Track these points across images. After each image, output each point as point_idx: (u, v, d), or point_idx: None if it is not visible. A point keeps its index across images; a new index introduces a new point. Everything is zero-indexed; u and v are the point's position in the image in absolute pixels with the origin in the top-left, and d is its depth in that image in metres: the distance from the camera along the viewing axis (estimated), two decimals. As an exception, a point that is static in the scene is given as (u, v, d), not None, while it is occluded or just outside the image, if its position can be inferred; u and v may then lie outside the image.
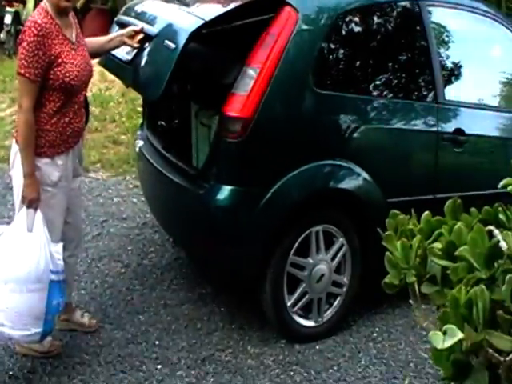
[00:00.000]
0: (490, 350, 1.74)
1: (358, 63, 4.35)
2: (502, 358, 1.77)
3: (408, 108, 4.42)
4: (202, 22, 3.88)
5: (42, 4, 3.61)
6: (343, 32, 4.21)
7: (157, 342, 4.17)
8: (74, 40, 3.68)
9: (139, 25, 4.20)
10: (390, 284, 2.08)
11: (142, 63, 4.12)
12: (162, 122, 4.91)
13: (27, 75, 3.43)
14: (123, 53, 4.31)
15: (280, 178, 3.90)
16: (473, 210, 2.16)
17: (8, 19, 11.70)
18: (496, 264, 1.79)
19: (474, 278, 1.76)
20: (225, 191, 3.90)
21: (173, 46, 3.83)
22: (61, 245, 3.74)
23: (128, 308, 4.51)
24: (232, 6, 4.07)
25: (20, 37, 3.48)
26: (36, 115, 3.52)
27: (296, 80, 3.97)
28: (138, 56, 4.15)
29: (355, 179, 4.15)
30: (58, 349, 3.99)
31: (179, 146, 4.66)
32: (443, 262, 1.92)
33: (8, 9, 11.81)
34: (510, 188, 2.15)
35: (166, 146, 4.67)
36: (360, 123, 4.14)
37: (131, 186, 6.51)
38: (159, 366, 3.95)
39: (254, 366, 4.03)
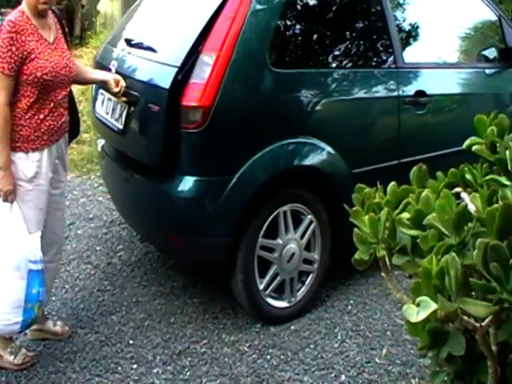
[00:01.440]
0: (466, 318, 1.73)
1: (314, 37, 4.30)
2: (477, 324, 1.76)
3: (367, 76, 4.40)
4: (174, 71, 3.84)
5: (20, 7, 3.69)
6: (298, 7, 4.18)
7: (131, 342, 4.11)
8: (51, 40, 3.73)
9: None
10: (360, 260, 2.08)
11: (133, 132, 4.20)
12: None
13: (1, 70, 3.52)
14: (112, 119, 4.40)
15: (244, 163, 3.86)
16: (439, 174, 2.15)
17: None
18: (466, 228, 1.76)
19: (445, 246, 1.74)
20: (188, 183, 3.85)
21: (157, 108, 3.88)
22: (38, 234, 3.74)
23: (100, 310, 4.44)
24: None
25: None
26: (11, 110, 3.60)
27: (253, 62, 3.93)
28: (128, 125, 4.20)
29: (319, 154, 4.12)
30: (31, 360, 3.94)
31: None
32: (412, 232, 1.91)
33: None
34: (475, 148, 2.12)
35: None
36: (320, 97, 4.11)
37: (96, 184, 6.48)
38: (135, 366, 3.89)
39: (230, 353, 4.00)
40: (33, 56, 3.59)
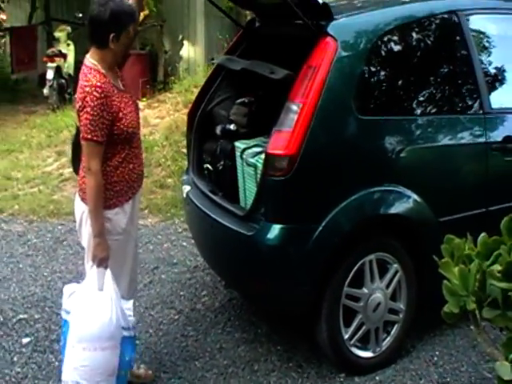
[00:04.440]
0: None
1: (399, 83, 4.37)
2: None
3: (453, 122, 4.41)
4: None
5: (88, 64, 3.69)
6: (383, 53, 4.24)
7: (214, 388, 4.19)
8: (122, 88, 3.81)
9: None
10: (449, 313, 2.06)
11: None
12: (208, 165, 4.97)
13: (95, 138, 3.56)
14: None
15: (329, 211, 3.92)
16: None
17: (50, 74, 12.06)
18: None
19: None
20: (274, 230, 3.93)
21: None
22: (131, 302, 3.84)
23: (183, 355, 4.54)
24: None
25: (80, 103, 3.58)
26: (102, 170, 3.64)
27: (339, 109, 4.01)
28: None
29: (405, 202, 4.15)
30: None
31: (226, 188, 4.72)
32: (504, 285, 1.90)
33: (49, 64, 12.18)
34: None
35: (212, 189, 4.74)
36: (406, 145, 4.14)
37: (180, 229, 6.62)
38: (218, 412, 3.96)
39: (314, 403, 4.03)
40: (120, 115, 3.67)
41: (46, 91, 12.13)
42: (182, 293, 5.38)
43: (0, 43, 16.58)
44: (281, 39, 4.73)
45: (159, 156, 8.27)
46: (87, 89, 3.57)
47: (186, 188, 5.01)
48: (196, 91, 9.62)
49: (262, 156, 4.11)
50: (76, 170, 4.15)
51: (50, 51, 12.54)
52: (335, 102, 3.98)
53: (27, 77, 14.69)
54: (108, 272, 3.69)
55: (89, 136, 3.57)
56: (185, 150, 7.75)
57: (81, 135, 3.64)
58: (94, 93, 3.55)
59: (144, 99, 10.51)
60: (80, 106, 3.60)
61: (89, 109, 3.54)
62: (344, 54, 4.00)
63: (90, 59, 3.71)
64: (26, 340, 4.78)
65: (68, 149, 8.74)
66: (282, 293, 4.10)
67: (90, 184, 3.63)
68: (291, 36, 4.58)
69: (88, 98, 3.55)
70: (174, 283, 5.55)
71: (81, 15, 13.03)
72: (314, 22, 4.06)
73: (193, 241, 5.61)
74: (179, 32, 12.20)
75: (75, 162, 4.13)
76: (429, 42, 4.51)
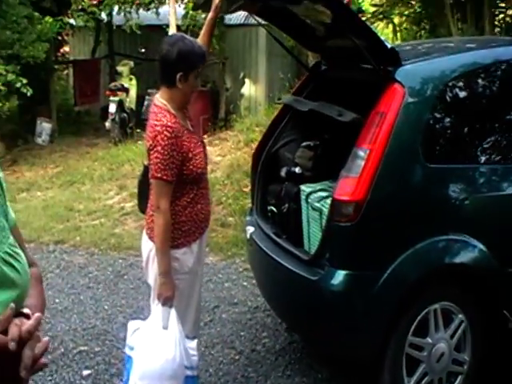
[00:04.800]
0: None
1: (466, 131, 4.37)
2: None
3: (521, 170, 4.37)
4: None
5: (158, 104, 3.78)
6: (449, 100, 4.26)
7: (274, 431, 4.21)
8: (190, 128, 3.88)
9: None
10: None
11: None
12: (272, 207, 5.02)
13: (164, 177, 3.63)
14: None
15: (394, 259, 3.92)
16: None
17: (112, 108, 12.34)
18: None
19: None
20: (339, 276, 3.95)
21: None
22: (195, 341, 3.88)
23: (243, 396, 4.57)
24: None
25: (151, 142, 3.66)
26: (171, 209, 3.71)
27: (406, 156, 4.04)
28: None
29: (471, 252, 4.12)
30: None
31: (290, 231, 4.75)
32: None
33: (112, 98, 12.47)
34: None
35: (276, 231, 4.78)
36: (472, 193, 4.14)
37: (241, 269, 6.67)
38: None
39: None
40: (190, 155, 3.73)
41: (108, 125, 12.42)
42: (242, 333, 5.41)
43: (63, 75, 16.96)
44: (346, 83, 4.79)
45: (220, 194, 8.38)
46: (158, 128, 3.65)
47: (250, 229, 5.06)
48: (257, 130, 9.83)
49: (328, 201, 4.16)
50: (142, 209, 4.24)
51: (112, 85, 12.85)
52: (402, 148, 4.02)
53: (89, 109, 15.03)
54: (173, 311, 3.73)
55: (159, 175, 3.63)
56: (246, 190, 7.89)
57: (150, 174, 3.71)
58: (165, 132, 3.62)
59: (205, 136, 10.67)
60: (151, 145, 3.67)
61: (159, 148, 3.61)
62: (411, 100, 4.03)
63: (159, 99, 3.80)
64: (86, 372, 4.86)
65: (129, 183, 8.96)
66: (344, 339, 4.12)
67: (158, 223, 3.69)
68: (357, 80, 4.65)
69: (159, 137, 3.62)
70: (234, 323, 5.59)
71: (143, 50, 13.34)
72: (381, 67, 4.12)
73: (254, 281, 5.66)
74: (241, 70, 12.39)
75: (141, 200, 4.23)
76: (495, 89, 4.53)
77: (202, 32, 4.30)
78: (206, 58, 3.87)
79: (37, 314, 1.66)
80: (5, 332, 1.59)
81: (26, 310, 1.73)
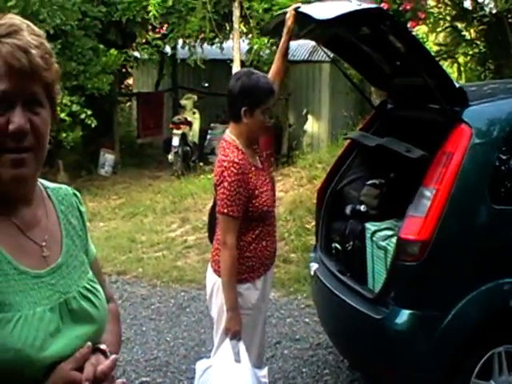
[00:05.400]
0: None
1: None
2: None
3: None
4: None
5: (226, 139, 3.87)
6: (517, 142, 4.27)
7: None
8: (259, 165, 3.94)
9: None
10: None
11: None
12: (337, 245, 5.08)
13: (231, 213, 3.71)
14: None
15: (459, 300, 3.95)
16: None
17: (176, 141, 12.54)
18: None
19: None
20: (404, 315, 4.00)
21: None
22: (266, 369, 3.97)
23: (305, 434, 4.61)
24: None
25: (218, 177, 3.75)
26: (236, 244, 3.78)
27: (472, 197, 4.08)
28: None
29: (536, 295, 4.11)
30: None
31: (354, 269, 4.80)
32: None
33: (175, 131, 12.67)
34: None
35: (340, 268, 4.83)
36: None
37: (303, 305, 6.72)
38: None
39: None
40: (257, 192, 3.78)
41: (170, 157, 12.62)
42: (304, 369, 5.46)
43: (126, 107, 17.27)
44: (412, 121, 4.85)
45: (283, 230, 8.45)
46: (225, 164, 3.73)
47: (314, 266, 5.11)
48: (320, 167, 9.91)
49: (393, 239, 4.21)
50: (211, 238, 4.33)
51: (176, 118, 13.05)
52: (469, 189, 4.06)
53: (152, 142, 15.24)
54: (241, 344, 3.79)
55: (225, 210, 3.71)
56: (309, 226, 7.98)
57: (217, 209, 3.80)
58: (232, 168, 3.69)
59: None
60: (218, 180, 3.76)
61: (226, 184, 3.69)
62: (478, 141, 4.07)
63: (229, 134, 3.89)
64: (148, 403, 4.95)
65: (192, 216, 9.12)
66: (407, 379, 4.14)
67: (224, 257, 3.76)
68: (423, 119, 4.71)
69: (226, 173, 3.70)
70: (296, 359, 5.64)
71: (207, 85, 13.54)
72: (449, 107, 4.17)
73: (315, 318, 5.73)
74: (304, 106, 12.50)
75: (211, 232, 4.33)
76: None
77: (275, 58, 4.38)
78: (273, 93, 3.90)
79: (114, 356, 1.75)
80: (80, 369, 1.67)
81: (102, 346, 1.80)
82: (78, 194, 2.07)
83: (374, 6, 4.07)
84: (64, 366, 1.68)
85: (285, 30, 4.31)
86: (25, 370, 1.64)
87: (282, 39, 4.37)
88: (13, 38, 1.70)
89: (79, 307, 1.82)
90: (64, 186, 2.04)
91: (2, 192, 1.72)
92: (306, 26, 4.49)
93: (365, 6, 3.83)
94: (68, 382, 1.66)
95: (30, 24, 1.78)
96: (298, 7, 4.27)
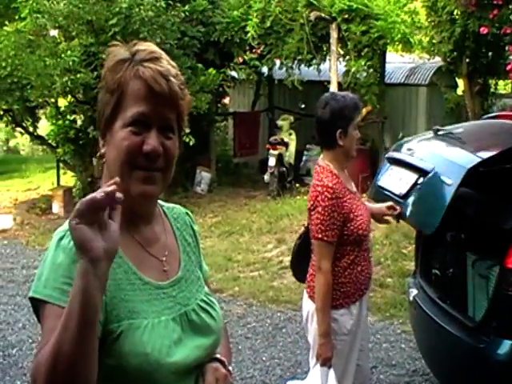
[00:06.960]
0: None
1: None
2: None
3: None
4: (479, 159, 4.10)
5: (321, 163, 3.92)
6: None
7: None
8: (354, 189, 4.00)
9: (412, 162, 4.55)
10: None
11: (417, 197, 4.40)
12: (437, 271, 5.10)
13: (325, 238, 3.75)
14: (394, 186, 4.64)
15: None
16: None
17: (272, 161, 12.68)
18: None
19: None
20: (506, 346, 3.99)
21: (449, 181, 4.05)
22: None
23: None
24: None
25: (312, 202, 3.82)
26: (331, 269, 3.81)
27: None
28: (412, 190, 4.41)
29: None
30: None
31: (454, 296, 4.81)
32: None
33: (272, 151, 12.81)
34: None
35: (440, 295, 4.83)
36: None
37: (399, 330, 6.73)
38: None
39: None
40: (351, 216, 3.80)
41: (266, 177, 12.78)
42: (399, 395, 5.49)
43: (221, 126, 17.51)
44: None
45: (379, 255, 8.51)
46: (319, 188, 3.79)
47: (413, 291, 5.11)
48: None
49: (496, 269, 4.22)
50: (295, 273, 4.44)
51: (272, 139, 13.18)
52: None
53: (248, 161, 15.47)
54: (331, 371, 3.80)
55: (320, 236, 3.76)
56: (405, 251, 8.00)
57: (311, 234, 3.85)
58: (326, 193, 3.74)
59: (364, 195, 10.80)
60: (312, 205, 3.82)
61: (320, 209, 3.75)
62: None
63: (322, 159, 3.95)
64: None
65: (288, 237, 9.24)
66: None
67: (319, 283, 3.79)
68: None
69: (320, 198, 3.76)
70: (392, 385, 5.68)
71: (303, 106, 13.66)
72: None
73: (412, 344, 5.74)
74: (400, 129, 12.47)
75: (296, 263, 4.41)
76: None
77: None
78: (360, 106, 3.97)
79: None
80: None
81: (218, 356, 1.95)
82: (190, 213, 2.21)
83: None
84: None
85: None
86: (152, 374, 1.76)
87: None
88: (155, 64, 1.84)
89: (198, 319, 1.94)
90: (177, 206, 2.19)
91: (129, 208, 1.78)
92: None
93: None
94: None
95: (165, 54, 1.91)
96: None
